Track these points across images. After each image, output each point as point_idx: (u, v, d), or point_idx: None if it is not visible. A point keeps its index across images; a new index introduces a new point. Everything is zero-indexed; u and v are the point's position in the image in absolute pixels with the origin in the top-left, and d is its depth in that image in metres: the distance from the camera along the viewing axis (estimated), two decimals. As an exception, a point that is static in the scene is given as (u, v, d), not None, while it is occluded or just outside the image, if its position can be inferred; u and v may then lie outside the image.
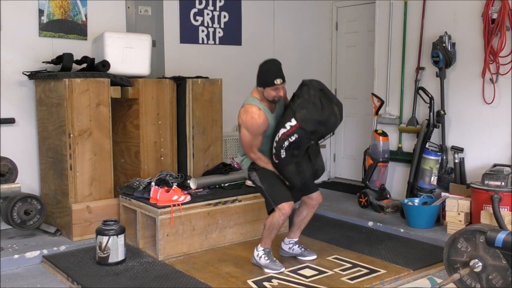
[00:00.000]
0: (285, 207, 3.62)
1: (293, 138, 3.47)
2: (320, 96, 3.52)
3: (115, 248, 3.84)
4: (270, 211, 3.69)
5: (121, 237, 3.87)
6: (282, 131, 3.50)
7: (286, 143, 3.49)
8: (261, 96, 3.64)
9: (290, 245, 4.01)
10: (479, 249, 3.16)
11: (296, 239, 4.01)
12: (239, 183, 4.77)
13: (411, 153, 5.20)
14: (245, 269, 3.79)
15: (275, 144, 3.56)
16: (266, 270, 3.73)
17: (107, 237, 3.83)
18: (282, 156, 3.54)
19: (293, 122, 3.46)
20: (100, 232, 3.85)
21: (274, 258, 3.79)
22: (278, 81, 3.53)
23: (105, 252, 3.83)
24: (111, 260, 3.83)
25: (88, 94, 4.37)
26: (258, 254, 3.79)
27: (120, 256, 3.88)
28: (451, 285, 3.27)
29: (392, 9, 5.58)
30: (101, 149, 4.46)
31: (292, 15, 6.49)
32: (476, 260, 3.15)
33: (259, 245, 3.80)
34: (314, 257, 3.99)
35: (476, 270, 3.15)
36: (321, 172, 3.82)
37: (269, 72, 3.57)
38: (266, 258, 3.75)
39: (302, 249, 4.01)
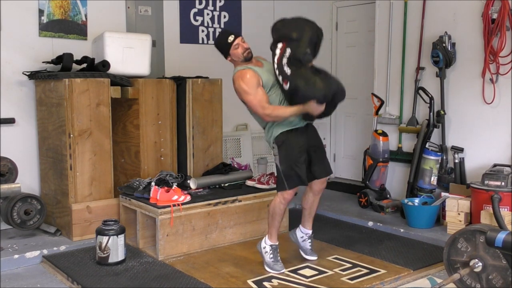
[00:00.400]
0: (289, 194, 3.66)
1: (287, 53, 3.51)
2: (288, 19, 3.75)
3: (115, 248, 3.85)
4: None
5: (121, 237, 3.88)
6: (276, 56, 3.55)
7: (285, 60, 3.50)
8: (238, 63, 3.69)
9: (305, 236, 3.98)
10: (479, 249, 3.16)
11: (310, 232, 3.98)
12: (239, 183, 4.77)
13: (411, 153, 5.20)
14: (245, 269, 3.79)
15: (277, 72, 3.54)
16: (267, 269, 3.72)
17: (107, 237, 3.83)
18: (288, 72, 3.49)
19: (280, 44, 3.55)
20: (100, 232, 3.85)
21: (279, 257, 3.78)
22: (230, 38, 3.65)
23: (105, 252, 3.83)
24: (111, 260, 3.83)
25: (88, 94, 4.37)
26: (265, 248, 3.77)
27: (120, 256, 3.88)
28: (451, 285, 3.27)
29: (392, 9, 5.58)
30: (101, 149, 4.47)
31: (292, 14, 6.45)
32: (476, 260, 3.15)
33: (267, 237, 3.79)
34: (315, 258, 3.99)
35: (476, 270, 3.15)
36: (340, 91, 3.68)
37: (221, 40, 3.72)
38: (272, 256, 3.74)
39: (310, 247, 4.00)
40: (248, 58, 3.68)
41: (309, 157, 3.73)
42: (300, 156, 3.65)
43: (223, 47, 3.68)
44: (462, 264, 3.23)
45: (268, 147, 6.25)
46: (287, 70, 3.49)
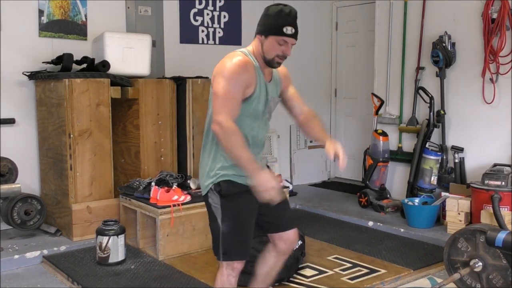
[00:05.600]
0: (238, 266, 2.52)
1: None
2: None
3: (115, 248, 3.85)
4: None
5: (121, 237, 3.88)
6: None
7: None
8: (257, 50, 2.48)
9: None
10: (479, 249, 3.16)
11: None
12: (239, 183, 4.76)
13: (411, 153, 5.20)
14: (245, 269, 3.79)
15: None
16: None
17: (107, 237, 3.83)
18: None
19: None
20: (100, 232, 3.86)
21: None
22: (289, 29, 2.38)
23: (105, 252, 3.83)
24: (111, 260, 3.84)
25: (88, 94, 4.37)
26: None
27: (120, 256, 3.88)
28: (451, 285, 3.28)
29: (392, 9, 5.58)
30: (101, 149, 4.46)
31: (292, 15, 6.48)
32: (476, 259, 3.16)
33: None
34: None
35: (476, 270, 3.16)
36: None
37: (280, 16, 2.40)
38: None
39: None
40: (271, 65, 2.49)
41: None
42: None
43: (272, 25, 2.41)
44: (462, 263, 3.24)
45: (268, 147, 6.26)
46: None
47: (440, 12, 5.13)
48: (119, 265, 3.85)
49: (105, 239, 3.83)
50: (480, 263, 3.15)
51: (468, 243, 3.23)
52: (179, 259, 4.02)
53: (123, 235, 3.90)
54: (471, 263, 3.18)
